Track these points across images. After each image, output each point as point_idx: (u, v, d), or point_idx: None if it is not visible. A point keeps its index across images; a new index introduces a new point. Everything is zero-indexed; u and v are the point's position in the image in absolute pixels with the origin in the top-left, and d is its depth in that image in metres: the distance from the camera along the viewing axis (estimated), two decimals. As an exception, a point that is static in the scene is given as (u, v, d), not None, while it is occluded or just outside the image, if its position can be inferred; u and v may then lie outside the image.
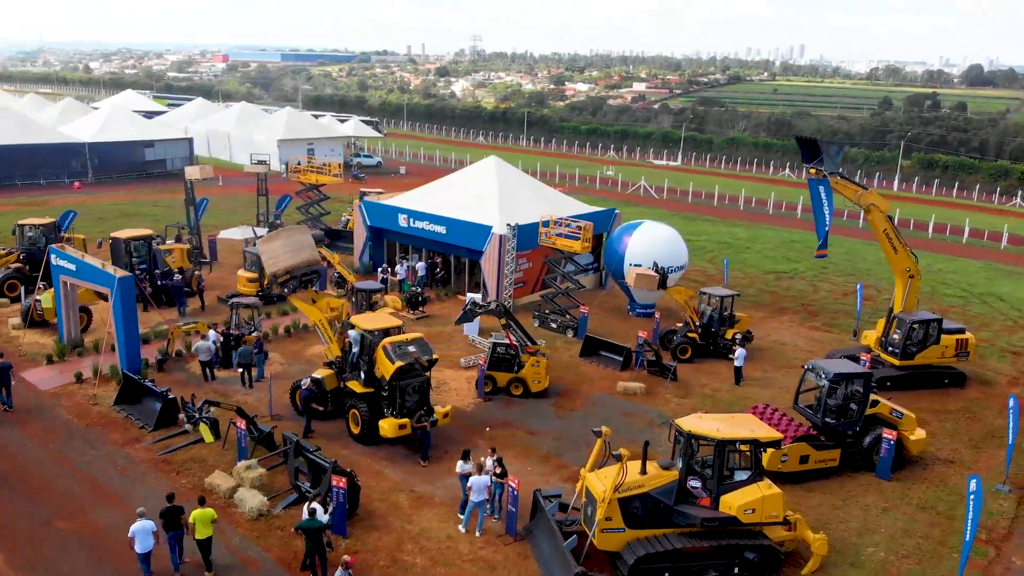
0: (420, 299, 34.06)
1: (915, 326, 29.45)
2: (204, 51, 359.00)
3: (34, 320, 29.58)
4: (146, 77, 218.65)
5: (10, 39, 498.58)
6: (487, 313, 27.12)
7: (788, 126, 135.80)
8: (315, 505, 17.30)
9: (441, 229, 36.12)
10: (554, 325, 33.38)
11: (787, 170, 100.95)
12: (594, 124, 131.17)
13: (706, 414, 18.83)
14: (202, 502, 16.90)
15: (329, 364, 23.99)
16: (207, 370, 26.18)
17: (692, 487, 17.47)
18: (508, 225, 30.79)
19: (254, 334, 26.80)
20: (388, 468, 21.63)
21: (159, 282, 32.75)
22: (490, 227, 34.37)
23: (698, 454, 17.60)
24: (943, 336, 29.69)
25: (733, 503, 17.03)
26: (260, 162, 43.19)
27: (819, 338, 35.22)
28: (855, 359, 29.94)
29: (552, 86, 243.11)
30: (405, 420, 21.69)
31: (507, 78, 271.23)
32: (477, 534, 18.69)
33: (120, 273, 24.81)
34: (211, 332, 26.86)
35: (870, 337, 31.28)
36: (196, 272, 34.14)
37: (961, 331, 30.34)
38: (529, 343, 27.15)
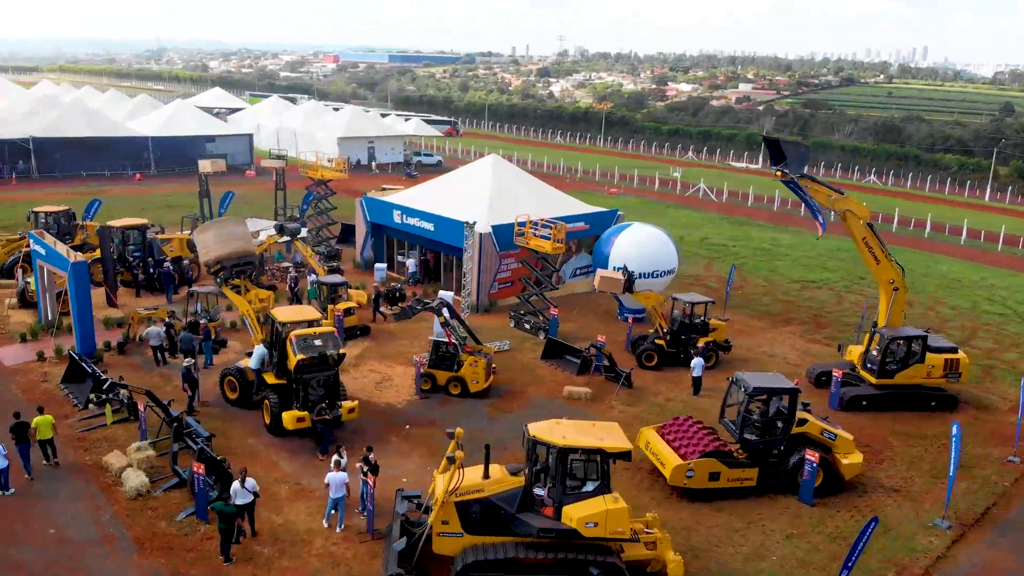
0: (398, 295, 34.20)
1: (895, 342, 27.38)
2: (317, 52, 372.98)
3: (27, 301, 31.48)
4: (258, 76, 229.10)
5: (128, 38, 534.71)
6: (428, 310, 26.96)
7: (897, 131, 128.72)
8: (236, 486, 17.79)
9: (429, 226, 36.21)
10: (527, 326, 32.85)
11: (871, 176, 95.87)
12: (676, 125, 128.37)
13: (568, 420, 18.05)
14: (41, 411, 20.77)
15: (249, 353, 24.41)
16: (158, 354, 27.16)
17: (538, 495, 16.82)
18: (467, 223, 30.52)
19: (202, 321, 27.59)
20: (285, 459, 21.83)
21: (151, 269, 34.21)
22: (472, 225, 34.14)
23: (552, 462, 16.90)
24: (930, 355, 27.46)
25: (574, 515, 16.26)
26: (278, 157, 44.48)
27: (815, 351, 33.24)
28: (828, 375, 28.36)
29: (653, 86, 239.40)
30: (304, 413, 21.84)
31: (608, 78, 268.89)
32: (338, 530, 18.62)
33: (75, 258, 26.05)
34: (169, 319, 27.86)
35: (855, 352, 29.26)
36: (185, 261, 35.48)
37: (952, 350, 27.95)
38: (470, 343, 26.86)
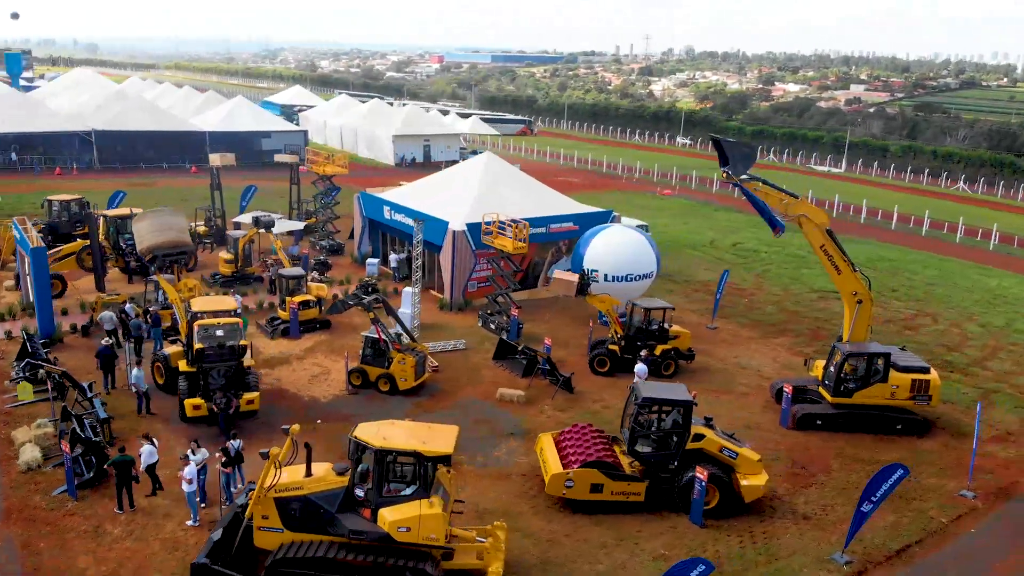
0: (370, 289, 34.30)
1: (853, 359, 25.43)
2: (424, 53, 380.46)
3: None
4: (362, 75, 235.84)
5: (249, 39, 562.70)
6: (359, 307, 26.96)
7: (1013, 137, 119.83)
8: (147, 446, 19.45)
9: (411, 223, 36.17)
10: (492, 326, 32.40)
11: (962, 183, 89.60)
12: (761, 126, 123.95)
13: (406, 422, 17.62)
14: None
15: (174, 340, 25.09)
16: (111, 338, 28.26)
17: (359, 496, 16.52)
18: (416, 221, 30.33)
19: (152, 308, 28.55)
20: (183, 445, 21.98)
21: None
22: (447, 223, 34.02)
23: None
24: (895, 374, 25.37)
25: (388, 518, 15.90)
26: (291, 152, 45.57)
27: (795, 364, 31.24)
28: (780, 392, 26.69)
29: (760, 86, 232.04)
30: (200, 401, 22.27)
31: (712, 78, 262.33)
32: (194, 520, 18.83)
33: (35, 244, 27.49)
34: (128, 305, 29.01)
35: (819, 368, 27.38)
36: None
37: (924, 370, 25.71)
38: (400, 341, 26.72)
